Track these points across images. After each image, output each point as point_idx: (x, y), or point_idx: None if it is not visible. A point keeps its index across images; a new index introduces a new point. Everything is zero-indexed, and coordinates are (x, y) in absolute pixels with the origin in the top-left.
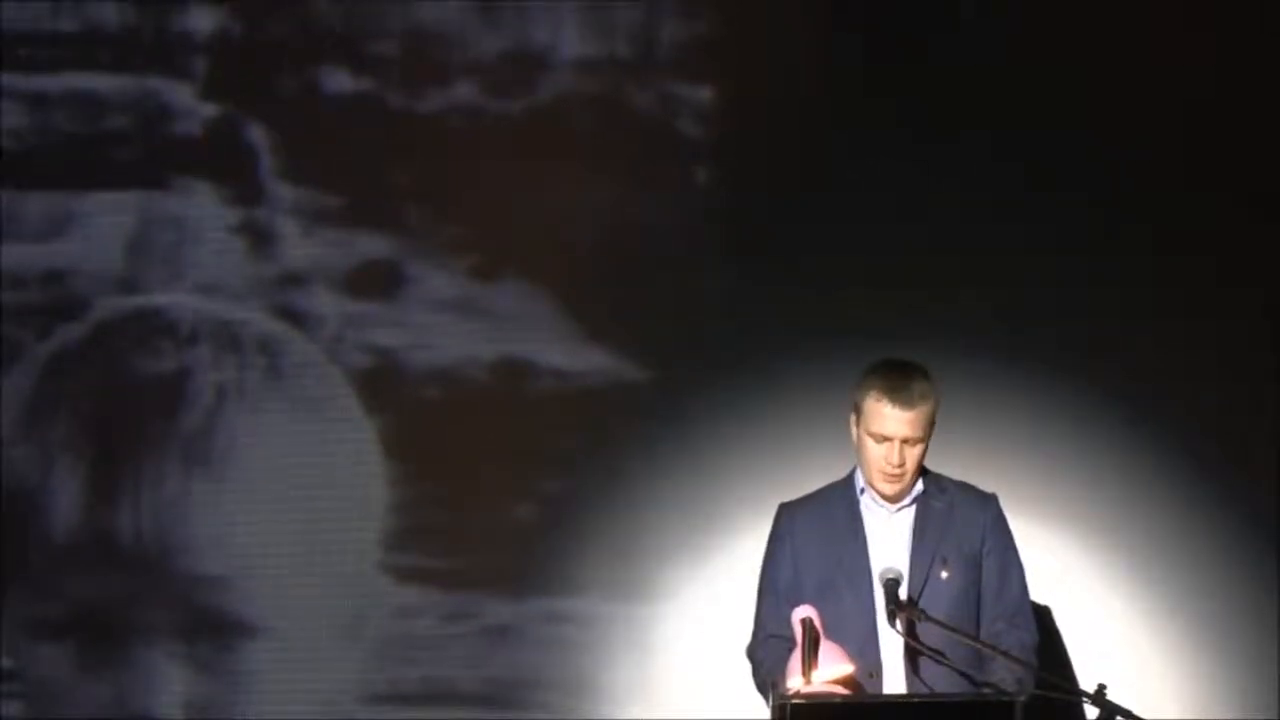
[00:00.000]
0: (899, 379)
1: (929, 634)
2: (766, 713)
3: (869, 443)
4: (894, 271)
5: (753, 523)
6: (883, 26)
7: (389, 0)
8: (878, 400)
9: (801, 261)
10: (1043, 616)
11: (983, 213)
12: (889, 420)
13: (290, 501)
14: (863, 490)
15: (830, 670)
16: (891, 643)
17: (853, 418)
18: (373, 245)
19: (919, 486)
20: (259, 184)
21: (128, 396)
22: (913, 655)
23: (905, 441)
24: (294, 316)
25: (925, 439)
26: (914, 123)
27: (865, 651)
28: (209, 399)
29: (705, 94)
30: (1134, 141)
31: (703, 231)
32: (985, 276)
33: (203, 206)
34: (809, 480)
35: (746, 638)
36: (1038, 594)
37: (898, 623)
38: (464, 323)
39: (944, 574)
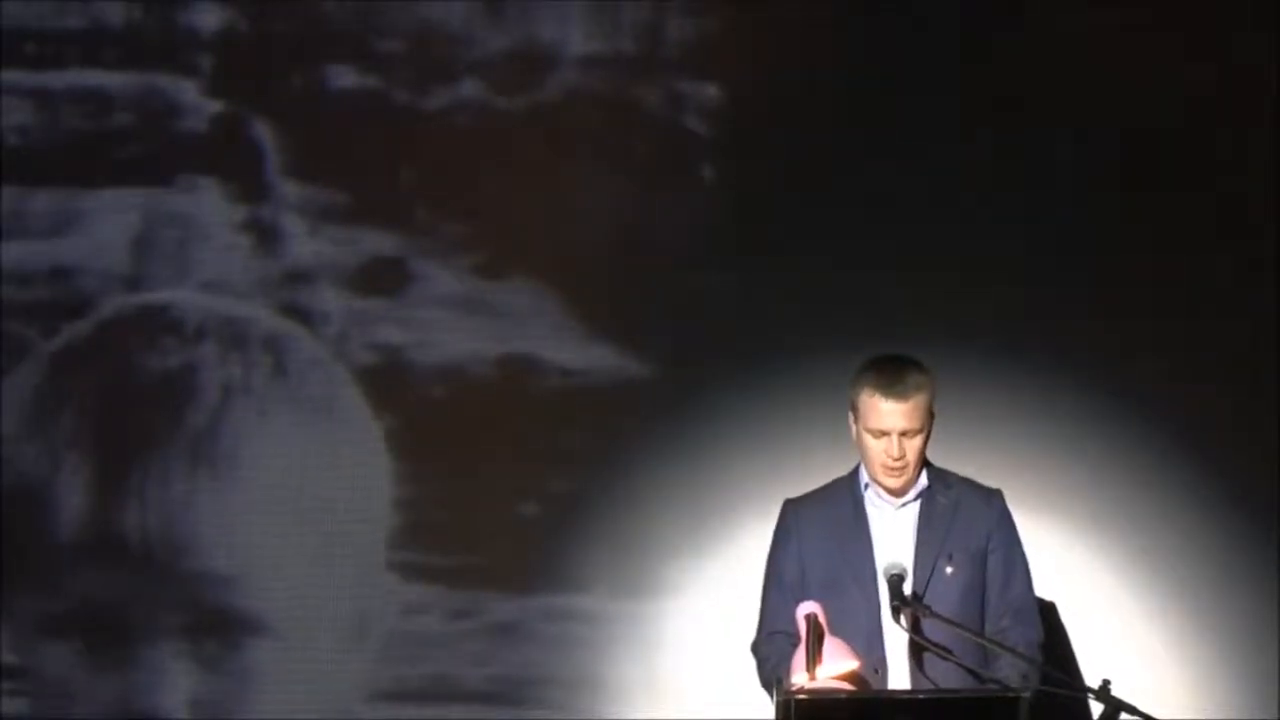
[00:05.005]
0: (892, 372)
1: (934, 630)
2: (771, 709)
3: (868, 439)
4: (899, 269)
5: (758, 519)
6: (888, 24)
7: None
8: (872, 395)
9: (807, 259)
10: (1047, 613)
11: (986, 212)
12: (885, 414)
13: (296, 499)
14: (866, 486)
15: (835, 666)
16: (896, 639)
17: (851, 416)
18: (378, 243)
19: (923, 482)
20: (265, 181)
21: (133, 394)
22: (918, 651)
23: (903, 434)
24: (300, 314)
25: (924, 429)
26: (919, 121)
27: (870, 647)
28: (215, 397)
29: (711, 91)
30: (1135, 141)
31: (709, 229)
32: (988, 276)
33: (208, 204)
34: (814, 477)
35: (752, 634)
36: (1042, 590)
37: (902, 619)
38: (469, 320)
39: (949, 570)
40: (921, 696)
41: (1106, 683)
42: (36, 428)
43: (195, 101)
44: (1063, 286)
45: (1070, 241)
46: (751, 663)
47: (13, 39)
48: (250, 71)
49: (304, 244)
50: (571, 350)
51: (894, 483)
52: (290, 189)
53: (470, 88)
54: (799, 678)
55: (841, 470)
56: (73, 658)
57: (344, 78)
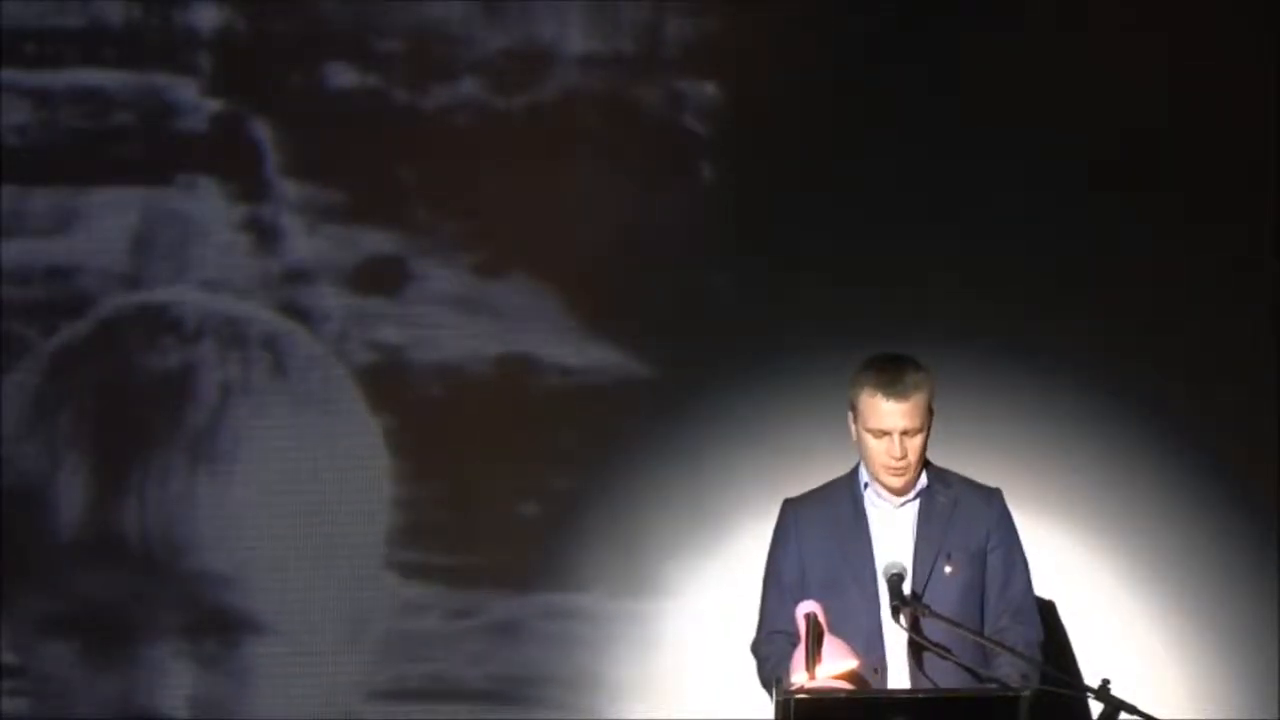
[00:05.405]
0: (891, 372)
1: (933, 629)
2: (771, 709)
3: (869, 439)
4: (898, 268)
5: (757, 519)
6: (887, 24)
7: None
8: (872, 395)
9: (806, 258)
10: (1047, 612)
11: (986, 212)
12: (885, 414)
13: (295, 498)
14: (866, 485)
15: (834, 665)
16: (896, 638)
17: (850, 416)
18: (377, 242)
19: (923, 481)
20: (264, 180)
21: (133, 393)
22: (917, 651)
23: (904, 433)
24: (299, 313)
25: (924, 428)
26: (918, 121)
27: (870, 647)
28: (214, 396)
29: (710, 90)
30: (1135, 141)
31: (709, 229)
32: (988, 275)
33: (207, 203)
34: (813, 477)
35: (751, 634)
36: (1042, 590)
37: (902, 618)
38: (468, 319)
39: (948, 569)
40: (921, 696)
41: (1106, 682)
42: (36, 427)
43: (194, 101)
44: (1063, 286)
45: (1070, 241)
46: (751, 662)
47: (12, 38)
48: (250, 71)
49: (303, 243)
50: (571, 350)
51: (896, 482)
52: (289, 188)
53: (469, 87)
54: (798, 677)
55: (841, 470)
56: (73, 658)
57: (343, 77)
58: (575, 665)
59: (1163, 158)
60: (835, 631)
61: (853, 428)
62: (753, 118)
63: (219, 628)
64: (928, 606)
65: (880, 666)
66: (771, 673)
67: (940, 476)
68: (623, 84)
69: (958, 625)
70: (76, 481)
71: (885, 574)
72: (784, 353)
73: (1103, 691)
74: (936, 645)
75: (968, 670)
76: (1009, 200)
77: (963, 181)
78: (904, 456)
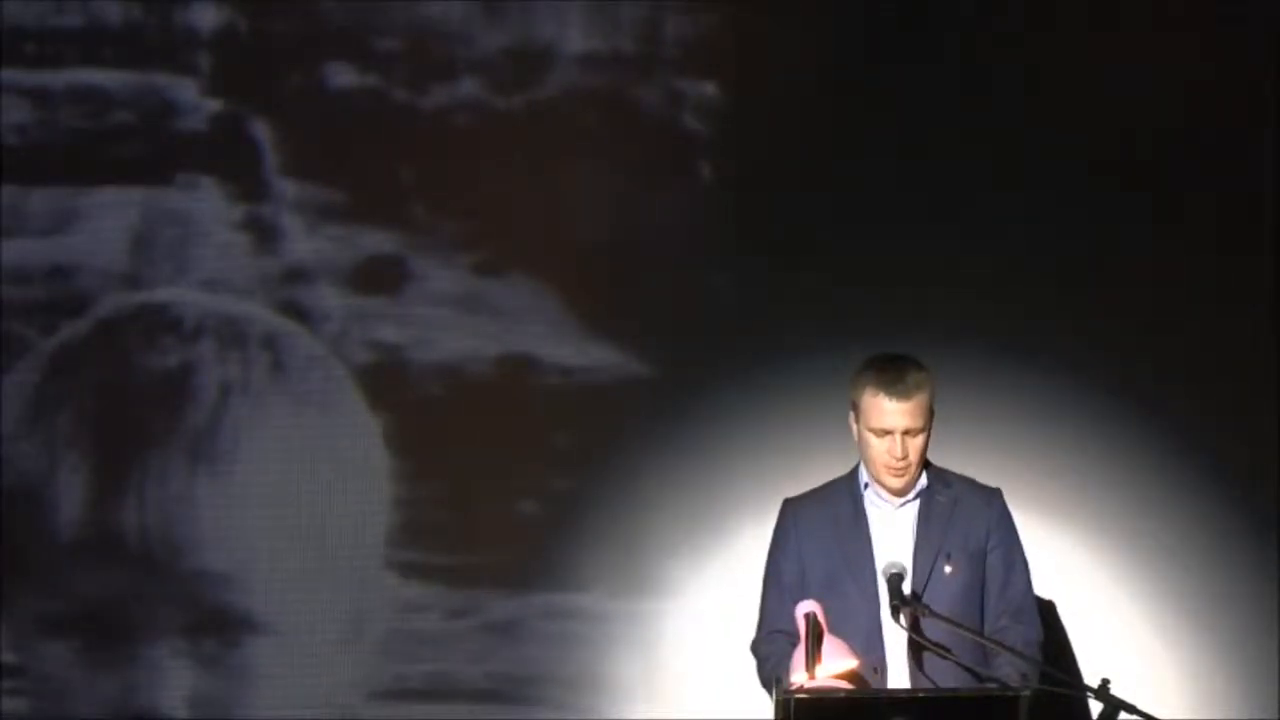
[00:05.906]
0: (893, 372)
1: (933, 629)
2: (771, 709)
3: (870, 439)
4: (898, 268)
5: (757, 519)
6: (887, 23)
7: None
8: (874, 395)
9: (806, 258)
10: (1046, 612)
11: (985, 212)
12: (888, 414)
13: (295, 497)
14: (866, 485)
15: (834, 665)
16: (896, 638)
17: (851, 416)
18: (377, 241)
19: (923, 481)
20: (263, 180)
21: (132, 393)
22: (917, 650)
23: (906, 433)
24: (298, 312)
25: (925, 428)
26: (918, 121)
27: (869, 647)
28: (213, 395)
29: (709, 90)
30: (1135, 141)
31: (707, 227)
32: (988, 275)
33: (207, 202)
34: (813, 476)
35: (751, 633)
36: (1042, 590)
37: (901, 618)
38: (468, 318)
39: (948, 569)
40: (921, 696)
41: (1106, 682)
42: (35, 426)
43: (194, 100)
44: (1063, 286)
45: (1070, 241)
46: (751, 662)
47: (12, 38)
48: (249, 71)
49: (303, 242)
50: (570, 349)
51: (897, 483)
52: (289, 187)
53: (469, 86)
54: (798, 677)
55: (841, 470)
56: (73, 658)
57: (343, 77)
58: (575, 665)
59: (1163, 158)
60: (835, 631)
61: (854, 427)
62: (753, 118)
63: (219, 628)
64: (927, 606)
65: (880, 666)
66: (771, 672)
67: (940, 476)
68: (622, 83)
69: (958, 625)
70: (76, 481)
71: (885, 574)
72: (784, 353)
73: (1103, 691)
74: (936, 645)
75: (968, 670)
76: (1009, 200)
77: (963, 181)
78: (905, 456)
